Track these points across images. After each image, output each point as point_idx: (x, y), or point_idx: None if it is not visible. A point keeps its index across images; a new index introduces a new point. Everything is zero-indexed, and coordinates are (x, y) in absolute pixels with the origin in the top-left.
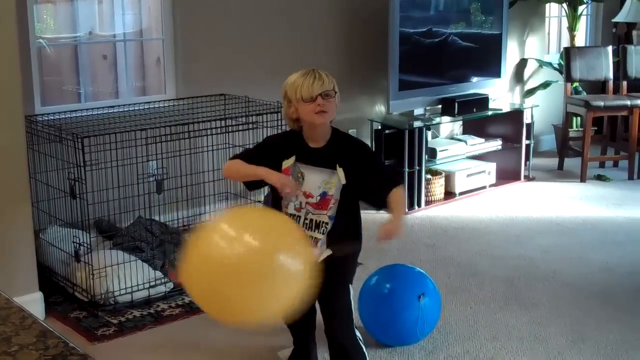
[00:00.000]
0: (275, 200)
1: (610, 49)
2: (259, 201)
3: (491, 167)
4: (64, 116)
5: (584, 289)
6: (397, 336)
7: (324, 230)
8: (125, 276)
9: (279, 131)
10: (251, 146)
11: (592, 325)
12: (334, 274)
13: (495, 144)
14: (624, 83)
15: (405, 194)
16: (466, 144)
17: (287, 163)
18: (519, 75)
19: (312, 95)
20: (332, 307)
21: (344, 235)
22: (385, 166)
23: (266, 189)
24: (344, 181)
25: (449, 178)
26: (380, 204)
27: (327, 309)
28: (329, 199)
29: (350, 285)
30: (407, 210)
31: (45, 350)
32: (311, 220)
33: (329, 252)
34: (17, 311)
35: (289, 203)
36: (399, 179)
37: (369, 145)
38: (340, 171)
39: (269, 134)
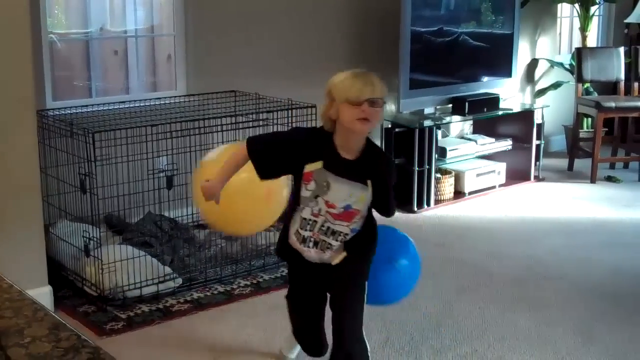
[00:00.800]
0: (295, 199)
1: (622, 50)
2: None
3: (501, 167)
4: (75, 111)
5: (593, 290)
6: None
7: (341, 239)
8: (135, 271)
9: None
10: (274, 131)
11: (601, 326)
12: (349, 279)
13: (506, 144)
14: (636, 84)
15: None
16: (476, 143)
17: (312, 167)
18: (529, 75)
19: (359, 99)
20: (345, 314)
21: (362, 240)
22: (393, 192)
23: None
24: (370, 191)
25: (458, 177)
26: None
27: (339, 315)
28: (353, 213)
29: (364, 291)
30: (416, 209)
31: (58, 342)
32: (328, 228)
33: (344, 254)
34: (29, 303)
35: (304, 207)
36: (392, 212)
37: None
38: (370, 184)
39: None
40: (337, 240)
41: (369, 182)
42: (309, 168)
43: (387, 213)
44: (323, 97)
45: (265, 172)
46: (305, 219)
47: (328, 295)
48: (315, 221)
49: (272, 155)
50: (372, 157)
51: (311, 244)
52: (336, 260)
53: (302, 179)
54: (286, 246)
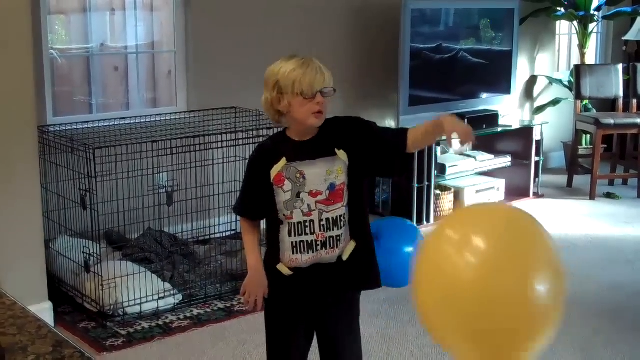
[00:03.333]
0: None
1: (620, 67)
2: None
3: (500, 183)
4: (75, 127)
5: (593, 307)
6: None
7: (343, 222)
8: (135, 287)
9: None
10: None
11: (601, 343)
12: (342, 316)
13: (505, 161)
14: (634, 101)
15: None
16: (475, 160)
17: (277, 168)
18: (528, 92)
19: (313, 91)
20: (343, 352)
21: (363, 223)
22: (387, 128)
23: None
24: (347, 162)
25: (458, 194)
26: (402, 159)
27: (335, 353)
28: (340, 188)
29: (359, 330)
30: (415, 225)
31: (62, 359)
32: (327, 219)
33: (353, 244)
34: (33, 320)
35: (292, 212)
36: (406, 129)
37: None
38: (341, 153)
39: None
40: (341, 228)
41: (337, 150)
42: (275, 171)
43: (404, 131)
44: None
45: (256, 210)
46: (299, 223)
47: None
48: (311, 220)
49: (250, 194)
50: (331, 127)
51: (319, 246)
52: (347, 253)
53: (275, 185)
54: (274, 274)
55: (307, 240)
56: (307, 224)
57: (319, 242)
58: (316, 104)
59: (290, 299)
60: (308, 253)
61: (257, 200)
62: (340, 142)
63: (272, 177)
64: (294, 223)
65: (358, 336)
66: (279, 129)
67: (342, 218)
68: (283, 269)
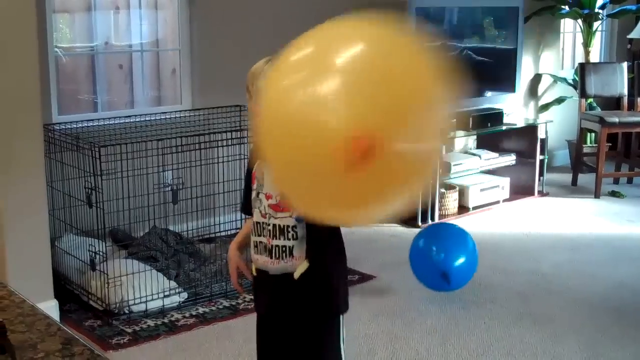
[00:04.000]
0: None
1: (625, 65)
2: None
3: (505, 181)
4: (80, 125)
5: (598, 306)
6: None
7: (292, 235)
8: (140, 285)
9: None
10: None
11: (606, 342)
12: (303, 344)
13: (509, 159)
14: (639, 99)
15: None
16: (480, 158)
17: (256, 166)
18: (533, 90)
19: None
20: None
21: (325, 243)
22: None
23: None
24: None
25: (462, 192)
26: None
27: None
28: None
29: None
30: (420, 223)
31: (71, 357)
32: (274, 225)
33: (306, 265)
34: (42, 318)
35: (254, 210)
36: None
37: None
38: None
39: None
40: (290, 239)
41: None
42: (255, 168)
43: None
44: None
45: (245, 207)
46: (257, 223)
47: None
48: (265, 223)
49: (245, 190)
50: None
51: (266, 253)
52: (298, 272)
53: (251, 182)
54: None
55: (262, 242)
56: (263, 225)
57: (268, 248)
58: None
59: (257, 301)
60: (263, 255)
61: (246, 196)
62: None
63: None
64: (254, 222)
65: None
66: None
67: (289, 229)
68: (252, 267)
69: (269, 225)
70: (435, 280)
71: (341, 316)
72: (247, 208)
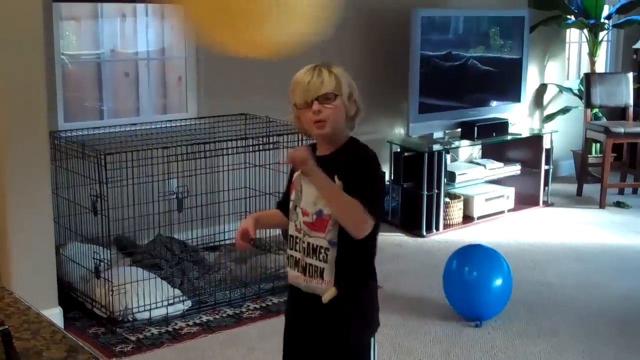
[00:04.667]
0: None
1: (630, 75)
2: None
3: (510, 191)
4: (86, 132)
5: (603, 317)
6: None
7: (323, 257)
8: (144, 293)
9: None
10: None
11: (611, 353)
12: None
13: (514, 169)
14: None
15: (370, 224)
16: (485, 168)
17: (296, 175)
18: (538, 100)
19: (306, 99)
20: None
21: (356, 270)
22: (375, 195)
23: None
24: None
25: (467, 202)
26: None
27: None
28: (325, 220)
29: None
30: (425, 233)
31: None
32: (308, 244)
33: (334, 292)
34: (47, 325)
35: (290, 223)
36: (376, 211)
37: (378, 165)
38: (339, 183)
39: None
40: (321, 260)
41: (337, 179)
42: (295, 176)
43: (351, 226)
44: None
45: (281, 203)
46: (291, 236)
47: None
48: (298, 238)
49: (286, 189)
50: (348, 153)
51: (299, 269)
52: (327, 297)
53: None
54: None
55: (294, 257)
56: (297, 240)
57: (301, 265)
58: (313, 113)
59: (287, 308)
60: (295, 271)
61: (285, 195)
62: (342, 172)
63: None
64: (289, 234)
65: None
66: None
67: (322, 250)
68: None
69: (303, 242)
70: (465, 310)
71: (372, 338)
72: (281, 207)
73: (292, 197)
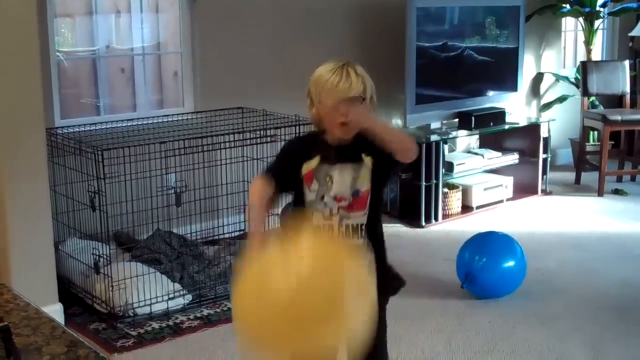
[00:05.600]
0: (297, 208)
1: (627, 63)
2: (277, 214)
3: (508, 181)
4: (83, 129)
5: (602, 303)
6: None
7: (363, 232)
8: (144, 288)
9: None
10: (274, 157)
11: (611, 339)
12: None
13: (512, 158)
14: None
15: (414, 154)
16: (483, 157)
17: (310, 166)
18: (535, 89)
19: (334, 101)
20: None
21: (377, 227)
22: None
23: (284, 200)
24: (371, 167)
25: (466, 192)
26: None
27: None
28: (364, 196)
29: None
30: (423, 223)
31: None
32: (347, 226)
33: (370, 256)
34: (47, 321)
35: (313, 213)
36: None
37: None
38: (367, 158)
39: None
40: (360, 237)
41: (365, 156)
42: (307, 168)
43: (410, 151)
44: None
45: (278, 176)
46: (317, 227)
47: None
48: (330, 225)
49: (276, 174)
50: (366, 137)
51: None
52: None
53: (304, 183)
54: None
55: None
56: (326, 228)
57: None
58: (339, 115)
59: None
60: None
61: (284, 171)
62: (366, 147)
63: (303, 173)
64: (314, 225)
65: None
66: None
67: (362, 227)
68: None
69: (341, 226)
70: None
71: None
72: (277, 177)
73: (312, 188)
